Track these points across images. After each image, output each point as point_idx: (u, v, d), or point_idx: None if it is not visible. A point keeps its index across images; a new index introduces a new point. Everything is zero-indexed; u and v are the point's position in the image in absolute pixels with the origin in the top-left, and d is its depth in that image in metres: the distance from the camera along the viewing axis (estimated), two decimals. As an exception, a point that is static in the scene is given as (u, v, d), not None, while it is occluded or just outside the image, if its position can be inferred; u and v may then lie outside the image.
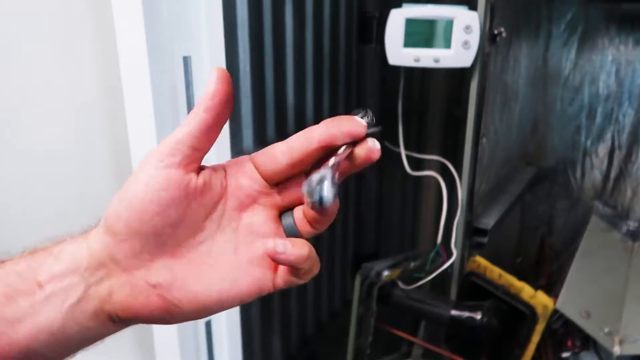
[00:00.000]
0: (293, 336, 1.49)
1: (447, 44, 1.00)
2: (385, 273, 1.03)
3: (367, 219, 1.09)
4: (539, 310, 0.95)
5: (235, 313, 0.95)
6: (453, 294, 1.09)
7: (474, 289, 1.05)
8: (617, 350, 0.92)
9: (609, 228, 1.38)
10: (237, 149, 1.15)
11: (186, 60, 0.79)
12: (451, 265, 1.07)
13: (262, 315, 1.27)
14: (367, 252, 1.11)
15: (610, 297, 1.07)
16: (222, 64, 0.84)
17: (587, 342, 1.00)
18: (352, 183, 1.46)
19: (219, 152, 0.97)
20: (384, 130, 1.11)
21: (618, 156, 1.41)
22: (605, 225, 1.39)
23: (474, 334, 1.00)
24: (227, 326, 0.92)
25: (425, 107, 1.42)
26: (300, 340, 1.53)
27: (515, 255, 1.52)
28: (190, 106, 0.84)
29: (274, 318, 1.38)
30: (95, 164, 0.93)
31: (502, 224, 1.28)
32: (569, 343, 1.01)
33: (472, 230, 1.09)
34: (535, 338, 0.98)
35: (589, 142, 1.45)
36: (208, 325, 0.88)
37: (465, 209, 1.06)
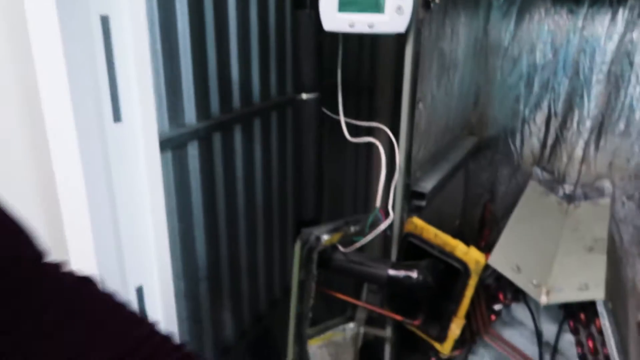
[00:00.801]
0: (245, 313, 1.50)
1: (381, 9, 1.01)
2: (325, 237, 1.03)
3: (307, 187, 1.09)
4: (472, 265, 0.98)
5: (168, 280, 0.93)
6: (394, 257, 1.11)
7: (413, 250, 1.07)
8: (543, 299, 0.96)
9: (546, 192, 1.44)
10: (178, 123, 1.13)
11: (104, 20, 0.76)
12: (391, 228, 1.09)
13: (211, 292, 1.27)
14: (308, 218, 1.11)
15: (541, 253, 1.12)
16: (143, 23, 0.81)
17: (518, 294, 1.04)
18: (290, 151, 1.46)
19: (159, 125, 0.95)
20: (322, 98, 1.12)
21: (554, 123, 1.47)
22: (543, 189, 1.44)
23: (411, 292, 1.03)
24: (161, 295, 0.91)
25: (370, 79, 1.44)
26: (253, 317, 1.53)
27: (461, 223, 1.56)
28: (112, 73, 0.81)
29: (224, 295, 1.38)
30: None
31: (442, 189, 1.31)
32: (501, 296, 1.04)
33: (410, 194, 1.12)
34: (469, 293, 1.01)
35: (527, 111, 1.50)
36: (140, 291, 0.87)
37: (404, 173, 1.07)
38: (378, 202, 1.06)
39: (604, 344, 0.96)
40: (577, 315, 0.99)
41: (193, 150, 1.16)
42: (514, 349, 1.07)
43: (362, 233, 1.09)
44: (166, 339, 0.50)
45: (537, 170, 1.51)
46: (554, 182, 1.50)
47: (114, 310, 0.50)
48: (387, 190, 1.08)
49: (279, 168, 1.46)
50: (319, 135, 1.06)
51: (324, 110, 1.09)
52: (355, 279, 1.09)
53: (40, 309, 0.45)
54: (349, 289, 1.21)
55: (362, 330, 1.22)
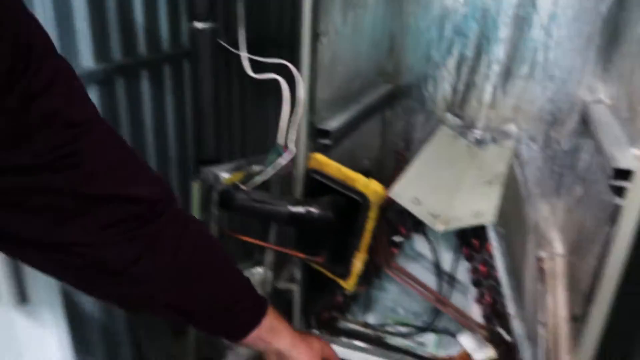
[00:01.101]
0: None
1: None
2: (225, 176, 1.00)
3: (205, 124, 1.05)
4: (371, 197, 0.98)
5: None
6: (299, 195, 1.09)
7: (319, 188, 1.06)
8: (440, 227, 0.98)
9: (456, 135, 1.47)
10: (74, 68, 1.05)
11: None
12: (295, 166, 1.08)
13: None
14: (208, 158, 1.08)
15: (442, 188, 1.14)
16: None
17: (418, 227, 1.06)
18: (187, 88, 1.40)
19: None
20: (223, 32, 1.07)
21: (465, 69, 1.49)
22: (453, 133, 1.47)
23: (314, 228, 1.02)
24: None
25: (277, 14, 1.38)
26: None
27: (378, 170, 1.58)
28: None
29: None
30: None
31: (353, 132, 1.31)
32: (402, 229, 1.06)
33: (315, 132, 1.10)
34: (370, 225, 1.01)
35: (439, 57, 1.51)
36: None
37: (307, 109, 1.05)
38: (281, 139, 1.04)
39: (494, 268, 1.00)
40: (471, 242, 1.02)
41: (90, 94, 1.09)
42: (415, 280, 1.09)
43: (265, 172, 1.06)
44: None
45: (449, 116, 1.54)
46: (465, 128, 1.53)
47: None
48: (293, 128, 1.06)
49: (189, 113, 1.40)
50: (215, 69, 1.01)
51: (221, 42, 1.04)
52: (257, 218, 1.07)
53: None
54: (256, 233, 1.19)
55: (270, 274, 1.21)
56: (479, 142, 1.51)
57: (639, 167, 0.87)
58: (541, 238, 1.62)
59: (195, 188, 0.98)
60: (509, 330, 1.03)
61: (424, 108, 1.57)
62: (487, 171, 1.23)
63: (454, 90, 1.52)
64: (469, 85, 1.50)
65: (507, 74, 1.45)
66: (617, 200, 0.94)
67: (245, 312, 0.76)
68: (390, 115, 1.60)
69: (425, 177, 1.15)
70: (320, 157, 1.02)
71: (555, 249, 1.61)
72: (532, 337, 1.13)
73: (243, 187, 1.02)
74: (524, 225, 1.42)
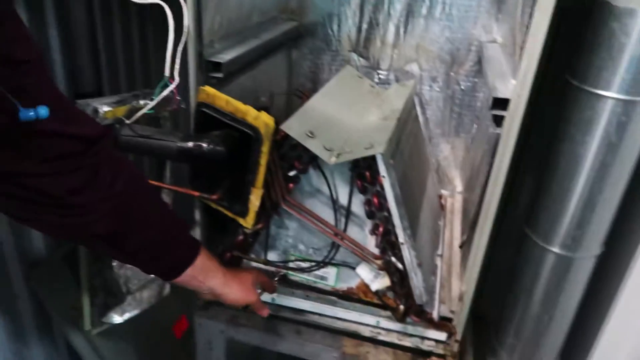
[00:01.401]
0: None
1: None
2: (105, 109, 0.93)
3: (80, 53, 0.96)
4: (262, 130, 0.96)
5: None
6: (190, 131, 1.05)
7: (211, 122, 1.02)
8: (332, 160, 0.98)
9: (360, 75, 1.47)
10: None
11: None
12: (184, 100, 1.02)
13: None
14: (85, 91, 0.99)
15: (340, 123, 1.14)
16: None
17: (313, 161, 1.06)
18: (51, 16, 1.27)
19: None
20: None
21: (368, 7, 1.47)
22: (357, 73, 1.47)
23: (206, 164, 0.99)
24: None
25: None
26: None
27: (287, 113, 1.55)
28: None
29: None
30: None
31: (252, 68, 1.26)
32: (297, 163, 1.05)
33: (206, 64, 1.04)
34: (263, 160, 1.00)
35: (343, -6, 1.48)
36: None
37: (195, 38, 0.99)
38: (167, 71, 0.98)
39: (386, 200, 1.02)
40: (364, 174, 1.04)
41: None
42: (313, 215, 1.10)
43: (154, 107, 1.00)
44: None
45: (354, 56, 1.53)
46: (370, 68, 1.54)
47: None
48: (182, 60, 1.00)
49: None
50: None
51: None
52: (144, 155, 1.02)
53: None
54: (151, 173, 1.14)
55: (170, 215, 1.17)
56: (383, 82, 1.53)
57: (516, 95, 0.91)
58: (443, 176, 1.70)
59: (72, 123, 0.90)
60: (401, 259, 1.08)
61: (330, 48, 1.55)
62: (386, 108, 1.24)
63: (359, 29, 1.50)
64: (373, 24, 1.49)
65: (409, 13, 1.45)
66: (497, 129, 0.99)
67: (179, 251, 0.80)
68: (297, 55, 1.57)
69: (322, 113, 1.15)
70: (209, 90, 0.98)
71: (455, 187, 1.69)
72: (427, 266, 1.20)
73: (127, 121, 0.96)
74: (425, 163, 1.48)
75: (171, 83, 0.96)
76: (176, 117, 1.08)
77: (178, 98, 1.00)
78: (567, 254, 1.17)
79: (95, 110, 0.92)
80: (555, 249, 1.18)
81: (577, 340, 1.36)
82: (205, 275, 0.86)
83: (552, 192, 1.15)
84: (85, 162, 0.63)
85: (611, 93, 0.99)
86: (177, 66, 0.95)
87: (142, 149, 0.97)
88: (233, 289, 0.92)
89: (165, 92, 0.93)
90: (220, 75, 1.05)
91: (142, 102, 0.99)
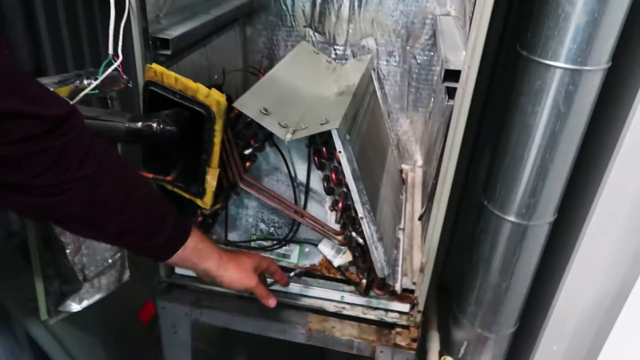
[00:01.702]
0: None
1: None
2: (46, 89, 0.89)
3: (13, 29, 0.90)
4: (214, 108, 0.94)
5: None
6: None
7: (161, 102, 0.99)
8: (288, 137, 0.97)
9: (316, 51, 1.45)
10: None
11: None
12: (133, 80, 0.99)
13: None
14: (24, 71, 0.94)
15: (296, 100, 1.13)
16: None
17: (269, 138, 1.04)
18: None
19: None
20: None
21: (322, -20, 1.45)
22: (313, 49, 1.45)
23: (157, 144, 0.96)
24: None
25: None
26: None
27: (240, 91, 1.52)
28: None
29: None
30: None
31: (203, 44, 1.22)
32: (252, 141, 1.04)
33: (153, 41, 1.01)
34: (218, 139, 0.97)
35: (296, -33, 1.45)
36: None
37: (138, 14, 0.95)
38: (110, 48, 0.93)
39: (344, 175, 1.02)
40: (321, 150, 1.03)
41: None
42: (272, 193, 1.09)
43: (99, 87, 0.96)
44: None
45: (310, 32, 1.51)
46: (326, 44, 1.52)
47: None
48: (125, 40, 0.96)
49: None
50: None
51: None
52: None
53: None
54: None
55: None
56: (340, 58, 1.51)
57: (466, 67, 0.91)
58: (404, 151, 1.71)
59: (10, 106, 0.86)
60: (361, 234, 1.08)
61: (285, 24, 1.52)
62: (342, 83, 1.23)
63: (313, 3, 1.48)
64: (327, -1, 1.47)
65: (364, -14, 1.44)
66: (450, 101, 1.00)
67: (166, 233, 0.80)
68: (251, 31, 1.53)
69: (277, 90, 1.13)
70: (156, 67, 0.94)
71: (416, 161, 1.71)
72: (389, 239, 1.21)
73: (70, 102, 0.91)
74: (384, 138, 1.48)
75: (115, 61, 0.92)
76: (125, 98, 1.04)
77: (124, 77, 0.96)
78: (522, 222, 1.20)
79: (36, 92, 0.88)
80: (511, 218, 1.21)
81: (535, 305, 1.41)
82: (199, 256, 0.86)
83: (506, 162, 1.17)
84: (53, 143, 0.62)
85: (559, 63, 1.01)
86: (120, 43, 0.91)
87: (89, 131, 0.93)
88: (229, 272, 0.91)
89: (109, 71, 0.90)
90: (168, 52, 1.02)
91: (86, 82, 0.95)
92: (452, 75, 0.96)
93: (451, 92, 1.00)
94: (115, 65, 0.89)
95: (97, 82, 0.91)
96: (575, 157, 1.14)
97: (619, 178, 1.14)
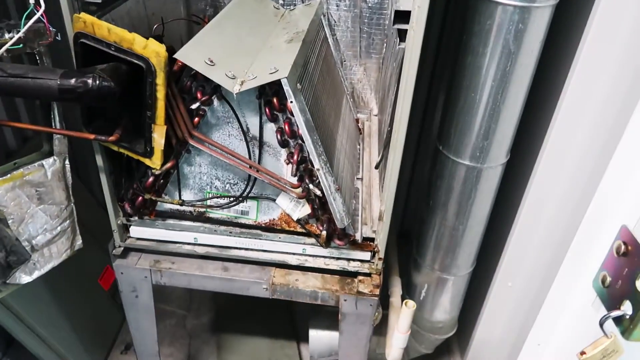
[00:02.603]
0: None
1: None
2: (-39, 46, 0.80)
3: None
4: (154, 60, 0.88)
5: None
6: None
7: (95, 56, 0.92)
8: (236, 88, 0.93)
9: (263, -2, 1.38)
10: None
11: None
12: (62, 32, 0.91)
13: None
14: None
15: (243, 49, 1.07)
16: None
17: (217, 91, 0.99)
18: None
19: None
20: None
21: None
22: (259, -5, 1.37)
23: (95, 102, 0.90)
24: None
25: None
26: None
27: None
28: None
29: None
30: None
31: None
32: (199, 94, 0.99)
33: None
34: (160, 94, 0.92)
35: None
36: None
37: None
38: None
39: (298, 126, 0.99)
40: (272, 102, 0.99)
41: None
42: (224, 149, 1.05)
43: (22, 41, 0.88)
44: None
45: (256, -23, 1.42)
46: (274, -11, 1.44)
47: None
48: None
49: None
50: None
51: None
52: (21, 97, 0.91)
53: None
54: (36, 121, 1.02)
55: (67, 164, 1.08)
56: (288, 4, 1.44)
57: (416, 7, 0.88)
58: (359, 100, 1.69)
59: None
60: (319, 186, 1.07)
61: (229, -31, 1.43)
62: (291, 30, 1.18)
63: (259, -55, 1.39)
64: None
65: None
66: (402, 44, 0.97)
67: None
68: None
69: (222, 39, 1.07)
70: (86, 17, 0.86)
71: (372, 110, 1.70)
72: (347, 190, 1.20)
73: (-7, 60, 0.83)
74: (338, 87, 1.45)
75: (37, 10, 0.84)
76: (57, 54, 0.96)
77: (52, 29, 0.88)
78: (477, 165, 1.22)
79: (-52, 49, 0.79)
80: (466, 162, 1.22)
81: (490, 245, 1.46)
82: None
83: (459, 106, 1.17)
84: None
85: (508, 0, 0.99)
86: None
87: (16, 91, 0.85)
88: None
89: (31, 22, 0.81)
90: (98, 0, 0.93)
91: (7, 35, 0.86)
92: (403, 16, 0.93)
93: (402, 35, 0.97)
94: (37, 15, 0.81)
95: (19, 34, 0.82)
96: (525, 98, 1.15)
97: (568, 117, 1.16)
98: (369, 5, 1.44)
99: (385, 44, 1.50)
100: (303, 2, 1.43)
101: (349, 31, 1.49)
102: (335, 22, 1.48)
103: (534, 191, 1.29)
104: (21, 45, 0.86)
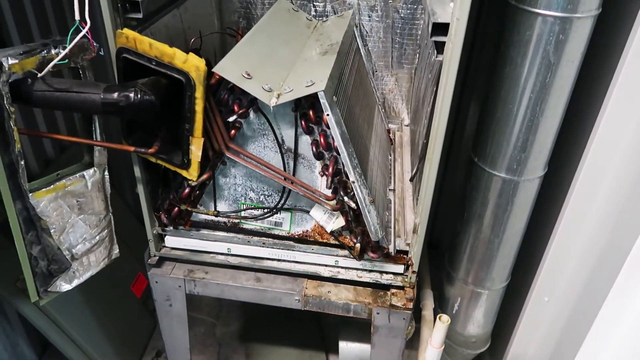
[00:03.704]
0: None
1: None
2: (11, 61, 0.83)
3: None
4: (193, 74, 0.89)
5: None
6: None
7: (135, 70, 0.94)
8: (273, 101, 0.93)
9: (295, 9, 1.38)
10: None
11: None
12: (105, 48, 0.93)
13: None
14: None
15: (278, 61, 1.08)
16: None
17: (253, 104, 1.00)
18: None
19: None
20: None
21: None
22: (292, 6, 1.38)
23: (137, 116, 0.92)
24: None
25: None
26: None
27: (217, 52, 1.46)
28: None
29: None
30: None
31: (171, 4, 1.15)
32: (236, 107, 0.99)
33: (122, 4, 0.94)
34: (199, 107, 0.93)
35: None
36: None
37: (103, -24, 0.88)
38: (77, 14, 0.87)
39: (334, 139, 0.99)
40: (308, 114, 0.99)
41: None
42: (259, 161, 1.06)
43: (68, 57, 0.90)
44: None
45: (289, -12, 1.44)
46: (305, 0, 1.45)
47: None
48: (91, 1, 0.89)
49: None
50: None
51: None
52: (65, 110, 0.93)
53: None
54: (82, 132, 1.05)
55: (106, 175, 1.10)
56: (320, 15, 1.45)
57: (455, 19, 0.87)
58: (390, 110, 1.68)
59: (-26, 81, 0.80)
60: (353, 198, 1.06)
61: (261, -18, 1.45)
62: (325, 42, 1.18)
63: (290, -41, 1.40)
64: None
65: (343, -63, 1.36)
66: (439, 56, 0.96)
67: None
68: (227, -8, 1.46)
69: (257, 52, 1.08)
70: (128, 32, 0.88)
71: (403, 120, 1.68)
72: (380, 202, 1.20)
73: (39, 74, 0.86)
74: (370, 98, 1.44)
75: (83, 27, 0.86)
76: (98, 68, 0.98)
77: (95, 44, 0.90)
78: (513, 177, 1.19)
79: (0, 65, 0.82)
80: (502, 174, 1.20)
81: (526, 259, 1.42)
82: None
83: (496, 117, 1.15)
84: None
85: (549, 11, 0.97)
86: (87, 7, 0.84)
87: (61, 104, 0.88)
88: None
89: (77, 38, 0.84)
90: (139, 15, 0.96)
91: (54, 51, 0.89)
92: (440, 28, 0.92)
93: (439, 47, 0.96)
94: (83, 32, 0.83)
95: (67, 50, 0.85)
96: (565, 109, 1.12)
97: (609, 129, 1.12)
98: (401, 15, 1.43)
99: (417, 55, 1.49)
100: (335, 14, 1.44)
101: (381, 42, 1.49)
102: (367, 32, 1.47)
103: (574, 204, 1.25)
104: (66, 60, 0.88)
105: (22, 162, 0.91)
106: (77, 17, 0.87)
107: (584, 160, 1.19)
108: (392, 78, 1.57)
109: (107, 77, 0.96)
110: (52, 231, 1.06)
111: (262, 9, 1.47)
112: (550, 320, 1.44)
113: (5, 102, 0.84)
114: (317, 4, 1.44)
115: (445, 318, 1.22)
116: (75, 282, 1.15)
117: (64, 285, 1.13)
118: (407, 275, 1.20)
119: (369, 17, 1.45)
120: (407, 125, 1.64)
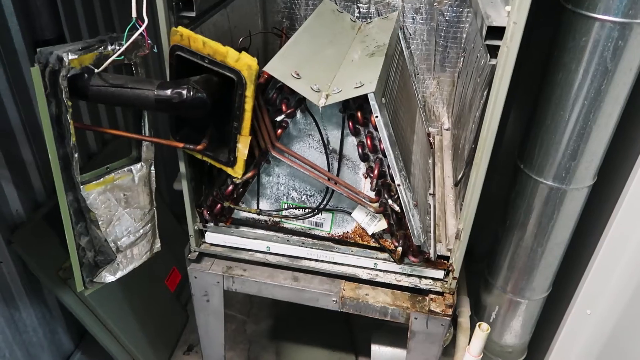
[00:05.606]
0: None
1: None
2: (70, 57, 0.85)
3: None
4: (245, 73, 0.89)
5: None
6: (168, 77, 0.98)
7: (187, 67, 0.95)
8: (322, 102, 0.93)
9: (339, 10, 1.38)
10: None
11: None
12: (158, 45, 0.94)
13: None
14: (46, 37, 0.90)
15: (325, 62, 1.08)
16: None
17: (301, 104, 1.00)
18: None
19: None
20: None
21: None
22: (336, 7, 1.38)
23: (187, 113, 0.93)
24: None
25: None
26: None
27: (261, 52, 1.47)
28: None
29: None
30: None
31: (220, 4, 1.16)
32: (284, 107, 1.00)
33: (176, 3, 0.96)
34: (249, 106, 0.94)
35: None
36: None
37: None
38: (134, 11, 0.89)
39: (380, 141, 0.98)
40: (355, 115, 0.99)
41: None
42: (304, 161, 1.06)
43: (124, 54, 0.92)
44: None
45: (334, -10, 1.44)
46: (349, 2, 1.45)
47: None
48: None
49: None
50: None
51: None
52: (119, 105, 0.95)
53: None
54: (129, 127, 1.07)
55: (152, 170, 1.12)
56: (364, 16, 1.44)
57: (512, 23, 0.85)
58: (430, 114, 1.66)
59: (35, 73, 0.82)
60: (397, 201, 1.05)
61: (307, -18, 1.45)
62: (371, 44, 1.18)
63: (336, -41, 1.40)
64: (352, -46, 1.39)
65: (391, -61, 1.35)
66: (492, 60, 0.94)
67: None
68: (271, -8, 1.47)
69: (305, 51, 1.08)
70: (183, 30, 0.90)
71: (443, 124, 1.66)
72: (422, 206, 1.18)
73: (96, 69, 0.88)
74: (412, 101, 1.43)
75: (140, 25, 0.88)
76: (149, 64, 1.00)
77: (149, 41, 0.92)
78: (561, 186, 1.16)
79: (60, 59, 0.84)
80: (549, 182, 1.17)
81: (569, 269, 1.39)
82: None
83: (545, 124, 1.12)
84: None
85: (608, 16, 0.94)
86: (144, 5, 0.86)
87: (115, 100, 0.90)
88: None
89: (135, 35, 0.85)
90: (192, 14, 0.97)
91: (110, 47, 0.91)
92: (495, 32, 0.90)
93: (492, 50, 0.94)
94: (140, 29, 0.85)
95: (124, 47, 0.86)
96: (619, 118, 1.09)
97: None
98: (446, 18, 1.42)
99: (461, 58, 1.47)
100: (379, 15, 1.43)
101: (424, 44, 1.48)
102: (410, 35, 1.46)
103: (623, 214, 1.21)
104: (122, 57, 0.90)
105: (76, 155, 0.93)
106: (134, 14, 0.89)
107: (636, 170, 1.15)
108: (434, 81, 1.55)
109: (155, 74, 0.97)
110: (99, 223, 1.08)
111: (305, 9, 1.47)
112: (591, 334, 1.40)
113: (63, 96, 0.86)
114: (361, 5, 1.44)
115: (485, 327, 1.20)
116: (119, 274, 1.18)
117: (108, 277, 1.16)
118: (447, 281, 1.18)
119: (413, 19, 1.44)
120: (447, 129, 1.62)
